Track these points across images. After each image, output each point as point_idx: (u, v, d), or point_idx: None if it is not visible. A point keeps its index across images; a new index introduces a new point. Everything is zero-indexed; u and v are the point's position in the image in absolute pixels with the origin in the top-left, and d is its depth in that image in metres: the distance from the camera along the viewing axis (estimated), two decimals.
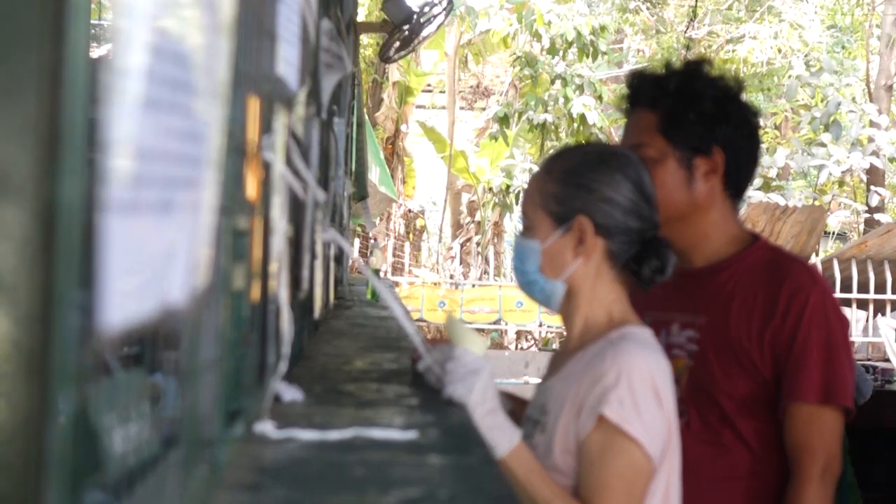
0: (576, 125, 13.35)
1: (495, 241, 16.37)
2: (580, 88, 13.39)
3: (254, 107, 1.07)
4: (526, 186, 1.79)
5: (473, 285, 12.18)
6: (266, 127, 1.17)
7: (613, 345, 1.61)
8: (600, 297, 1.69)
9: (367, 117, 10.53)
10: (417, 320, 10.44)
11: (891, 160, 13.19)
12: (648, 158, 1.95)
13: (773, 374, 1.91)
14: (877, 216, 13.90)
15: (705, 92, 2.00)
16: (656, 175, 1.93)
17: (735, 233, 2.06)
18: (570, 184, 1.69)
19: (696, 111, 1.98)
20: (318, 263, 2.15)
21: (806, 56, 15.57)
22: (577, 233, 1.67)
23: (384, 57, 6.85)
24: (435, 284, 12.36)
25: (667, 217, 1.80)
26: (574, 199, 1.68)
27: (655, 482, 1.59)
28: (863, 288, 9.12)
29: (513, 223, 18.37)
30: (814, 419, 1.88)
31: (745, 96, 2.08)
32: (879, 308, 9.24)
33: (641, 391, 1.56)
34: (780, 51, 15.42)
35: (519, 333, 12.97)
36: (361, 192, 6.25)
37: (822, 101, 14.54)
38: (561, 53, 13.46)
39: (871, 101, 14.69)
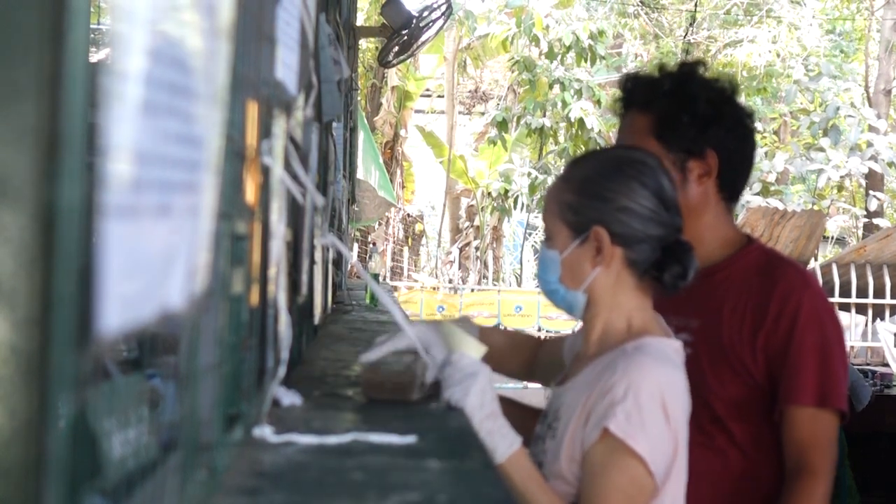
0: (574, 130, 13.35)
1: (494, 245, 16.38)
2: (578, 93, 13.40)
3: (253, 111, 1.07)
4: (545, 195, 1.78)
5: (472, 290, 12.19)
6: (265, 131, 1.17)
7: (627, 356, 1.60)
8: (620, 305, 1.68)
9: (365, 122, 10.53)
10: None
11: (889, 165, 13.20)
12: None
13: (766, 377, 1.90)
14: (875, 220, 13.91)
15: (699, 94, 1.99)
16: None
17: (729, 235, 2.05)
18: (586, 193, 1.67)
19: (689, 113, 1.98)
20: (317, 268, 2.15)
21: (805, 60, 15.58)
22: (595, 243, 1.66)
23: (383, 61, 6.85)
24: (434, 289, 12.36)
25: None
26: (590, 208, 1.66)
27: (660, 499, 1.58)
28: (861, 292, 9.12)
29: (511, 228, 18.37)
30: (814, 420, 1.88)
31: (739, 98, 2.07)
32: (878, 312, 9.24)
33: (649, 407, 1.55)
34: (778, 55, 15.42)
35: None
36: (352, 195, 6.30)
37: (820, 105, 14.55)
38: (559, 58, 13.47)
39: (869, 105, 14.70)
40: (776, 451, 1.91)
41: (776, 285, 1.92)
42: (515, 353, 2.10)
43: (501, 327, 11.39)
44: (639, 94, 2.05)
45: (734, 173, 2.04)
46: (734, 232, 2.07)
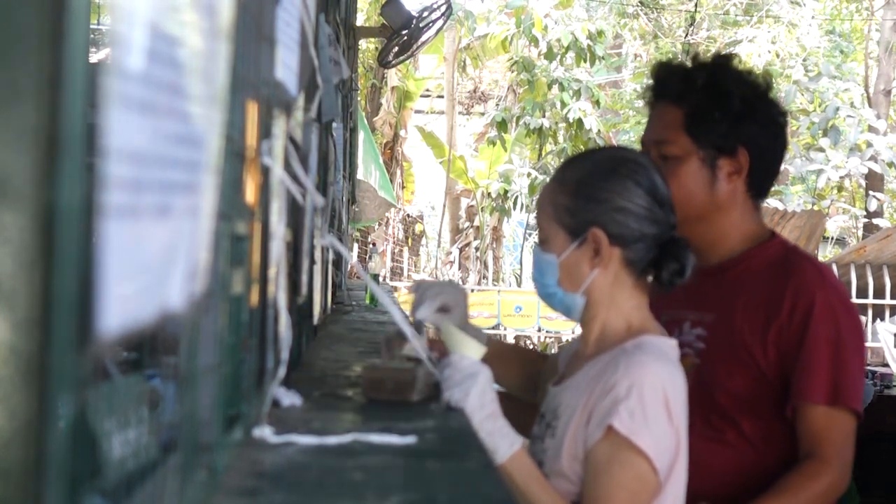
0: (573, 130, 13.34)
1: (494, 245, 16.37)
2: (577, 93, 13.39)
3: (252, 111, 1.07)
4: (538, 197, 1.77)
5: (472, 290, 12.18)
6: (265, 132, 1.17)
7: (627, 355, 1.60)
8: (619, 304, 1.68)
9: (365, 122, 10.53)
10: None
11: (889, 165, 13.18)
12: (671, 156, 1.92)
13: (778, 372, 1.88)
14: (875, 221, 13.90)
15: (733, 89, 1.95)
16: (678, 174, 1.90)
17: (752, 231, 2.02)
18: (582, 195, 1.67)
19: (722, 110, 1.94)
20: (317, 268, 2.15)
21: (804, 61, 15.57)
22: (592, 244, 1.65)
23: (383, 62, 6.85)
24: None
25: (686, 216, 1.78)
26: (586, 210, 1.66)
27: (662, 496, 1.58)
28: (861, 293, 9.10)
29: (511, 228, 18.36)
30: (827, 418, 1.85)
31: (772, 94, 2.03)
32: (878, 313, 9.23)
33: (652, 404, 1.55)
34: (777, 55, 15.41)
35: (517, 339, 12.97)
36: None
37: (820, 105, 14.54)
38: (558, 58, 13.46)
39: (869, 106, 14.69)
40: (787, 446, 1.88)
41: (790, 279, 1.90)
42: (519, 366, 2.08)
43: (501, 328, 11.40)
44: (671, 85, 2.01)
45: (764, 171, 2.01)
46: (758, 227, 2.04)
